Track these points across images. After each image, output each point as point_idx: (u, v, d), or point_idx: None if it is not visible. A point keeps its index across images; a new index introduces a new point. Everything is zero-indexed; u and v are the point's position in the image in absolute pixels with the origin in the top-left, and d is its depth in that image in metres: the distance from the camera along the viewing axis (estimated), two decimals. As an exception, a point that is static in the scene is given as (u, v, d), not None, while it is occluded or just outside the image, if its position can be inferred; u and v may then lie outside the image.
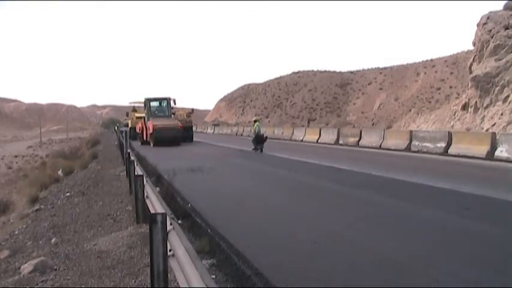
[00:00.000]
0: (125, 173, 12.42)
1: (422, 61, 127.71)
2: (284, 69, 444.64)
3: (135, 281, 4.60)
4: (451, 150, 15.35)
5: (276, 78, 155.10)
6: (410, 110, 56.98)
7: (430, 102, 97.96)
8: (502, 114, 21.06)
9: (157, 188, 7.40)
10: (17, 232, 9.49)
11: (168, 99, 27.04)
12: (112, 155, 22.47)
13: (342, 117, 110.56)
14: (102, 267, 5.21)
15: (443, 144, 15.83)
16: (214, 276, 4.26)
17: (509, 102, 21.06)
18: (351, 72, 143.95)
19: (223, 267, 4.60)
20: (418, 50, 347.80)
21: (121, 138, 21.32)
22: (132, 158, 10.14)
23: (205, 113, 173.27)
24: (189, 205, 7.53)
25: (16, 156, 44.67)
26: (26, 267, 5.64)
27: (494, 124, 20.98)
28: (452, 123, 26.67)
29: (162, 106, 27.10)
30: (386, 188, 8.78)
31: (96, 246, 6.25)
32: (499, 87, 22.13)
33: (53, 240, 7.26)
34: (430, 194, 8.04)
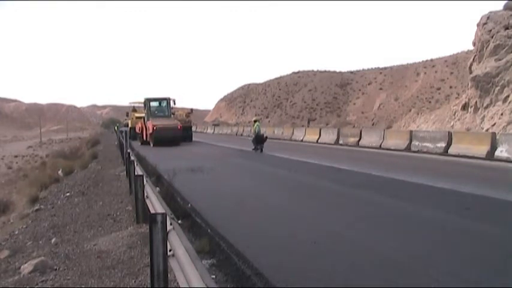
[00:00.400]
0: (125, 173, 12.42)
1: (422, 61, 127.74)
2: (284, 69, 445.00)
3: (135, 281, 4.60)
4: (451, 150, 15.35)
5: (276, 78, 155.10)
6: (410, 110, 56.98)
7: (430, 102, 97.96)
8: (502, 114, 21.06)
9: (157, 188, 7.40)
10: (17, 232, 9.49)
11: (167, 99, 27.06)
12: (112, 155, 22.47)
13: (342, 117, 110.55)
14: (102, 267, 5.21)
15: (443, 144, 15.83)
16: (214, 276, 4.26)
17: (509, 102, 21.06)
18: (351, 72, 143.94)
19: (223, 267, 4.60)
20: (418, 50, 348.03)
21: (121, 138, 21.32)
22: (132, 158, 10.14)
23: (205, 113, 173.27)
24: (189, 205, 7.53)
25: (16, 156, 44.67)
26: (26, 267, 5.64)
27: (494, 124, 20.97)
28: (452, 123, 26.67)
29: (162, 106, 27.12)
30: (386, 188, 8.78)
31: (96, 246, 6.25)
32: (499, 87, 22.13)
33: (53, 240, 7.26)
34: (430, 194, 8.04)
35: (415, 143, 17.33)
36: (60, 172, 19.58)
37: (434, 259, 4.46)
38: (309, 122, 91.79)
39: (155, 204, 5.31)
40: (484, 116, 22.90)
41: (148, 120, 25.63)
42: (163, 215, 3.41)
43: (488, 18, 25.11)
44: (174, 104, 27.43)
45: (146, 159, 15.08)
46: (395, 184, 9.29)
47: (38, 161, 35.09)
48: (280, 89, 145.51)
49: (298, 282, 3.94)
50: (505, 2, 25.44)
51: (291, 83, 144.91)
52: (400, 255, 4.64)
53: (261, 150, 18.63)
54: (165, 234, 3.35)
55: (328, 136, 24.05)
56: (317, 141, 24.59)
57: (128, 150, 12.42)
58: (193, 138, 29.43)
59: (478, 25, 26.06)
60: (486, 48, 24.30)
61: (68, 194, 12.81)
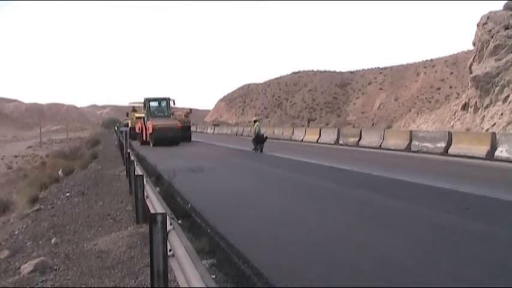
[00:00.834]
0: (125, 173, 12.42)
1: (422, 61, 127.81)
2: (284, 69, 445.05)
3: (135, 281, 4.59)
4: (451, 150, 15.35)
5: (276, 78, 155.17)
6: (410, 110, 56.96)
7: (430, 102, 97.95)
8: (502, 114, 21.06)
9: (157, 188, 7.40)
10: (17, 232, 9.49)
11: (167, 99, 27.08)
12: (112, 155, 22.46)
13: (342, 117, 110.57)
14: (102, 267, 5.21)
15: (443, 144, 15.83)
16: (214, 276, 4.26)
17: (509, 102, 21.06)
18: (351, 72, 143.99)
19: (223, 267, 4.60)
20: (418, 50, 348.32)
21: (121, 138, 21.32)
22: (132, 158, 10.14)
23: (205, 113, 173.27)
24: (189, 205, 7.53)
25: (16, 156, 44.64)
26: (26, 267, 5.64)
27: (494, 124, 20.97)
28: (452, 123, 26.67)
29: (162, 106, 27.14)
30: (386, 188, 8.78)
31: (96, 246, 6.25)
32: (499, 87, 22.13)
33: (53, 240, 7.25)
34: (430, 194, 8.04)
35: (415, 143, 17.33)
36: (60, 172, 19.57)
37: (435, 259, 4.46)
38: (309, 122, 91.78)
39: (155, 204, 5.31)
40: (484, 116, 22.90)
41: (148, 120, 25.64)
42: (163, 215, 3.40)
43: (488, 18, 25.12)
44: (174, 104, 27.49)
45: (146, 159, 15.08)
46: (395, 184, 9.29)
47: (38, 161, 35.06)
48: (280, 89, 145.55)
49: (298, 282, 3.94)
50: (505, 2, 25.45)
51: (291, 83, 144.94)
52: (400, 255, 4.64)
53: (261, 150, 18.63)
54: (165, 234, 3.35)
55: (328, 136, 24.05)
56: (317, 141, 24.60)
57: (128, 150, 12.42)
58: (193, 138, 29.47)
59: (478, 25, 26.06)
60: (486, 48, 24.30)
61: (68, 194, 12.81)
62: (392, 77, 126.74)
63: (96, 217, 8.39)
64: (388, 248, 4.91)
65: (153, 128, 24.18)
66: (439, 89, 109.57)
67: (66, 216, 9.34)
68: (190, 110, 33.32)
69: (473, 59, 26.34)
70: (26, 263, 5.92)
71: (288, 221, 6.32)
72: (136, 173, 7.46)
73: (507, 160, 12.99)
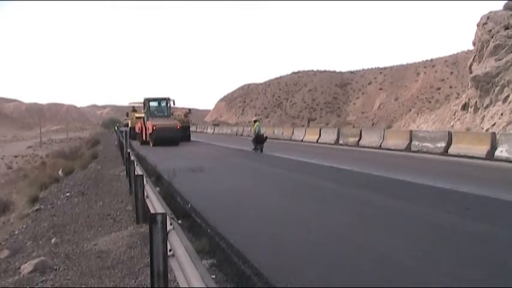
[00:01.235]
0: (125, 173, 12.42)
1: (422, 61, 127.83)
2: (284, 69, 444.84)
3: (135, 281, 4.59)
4: (451, 150, 15.35)
5: (276, 78, 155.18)
6: (410, 110, 56.97)
7: (430, 102, 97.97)
8: (502, 114, 21.06)
9: (157, 188, 7.40)
10: (17, 232, 9.49)
11: (167, 99, 27.10)
12: (112, 155, 22.46)
13: (342, 117, 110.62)
14: (102, 267, 5.21)
15: (443, 144, 15.83)
16: (214, 276, 4.26)
17: (509, 102, 21.06)
18: (351, 72, 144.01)
19: (223, 267, 4.60)
20: (418, 50, 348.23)
21: (121, 138, 21.32)
22: (132, 158, 10.14)
23: (205, 113, 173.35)
24: (189, 205, 7.53)
25: (16, 156, 44.63)
26: (26, 267, 5.63)
27: (494, 124, 20.97)
28: (452, 123, 26.67)
29: (161, 106, 27.16)
30: (386, 188, 8.78)
31: (96, 246, 6.25)
32: (499, 87, 22.13)
33: (53, 240, 7.25)
34: (430, 194, 8.04)
35: (415, 143, 17.33)
36: (60, 172, 19.57)
37: (435, 259, 4.46)
38: (309, 122, 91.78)
39: (155, 204, 5.31)
40: (484, 116, 22.90)
41: (147, 120, 25.66)
42: (163, 215, 3.40)
43: (488, 18, 25.12)
44: (174, 104, 27.52)
45: (146, 159, 15.08)
46: (395, 184, 9.29)
47: (38, 161, 35.06)
48: (280, 89, 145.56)
49: (298, 282, 3.94)
50: (505, 2, 25.45)
51: (291, 83, 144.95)
52: (400, 255, 4.64)
53: (261, 150, 18.63)
54: (165, 234, 3.34)
55: (328, 136, 24.05)
56: (317, 141, 24.60)
57: (128, 150, 12.42)
58: (193, 138, 29.52)
59: (478, 25, 26.07)
60: (486, 48, 24.30)
61: (68, 194, 12.81)
62: (392, 77, 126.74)
63: (96, 217, 8.39)
64: (388, 248, 4.91)
65: (152, 128, 24.18)
66: (439, 89, 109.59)
67: (66, 216, 9.34)
68: (190, 110, 33.46)
69: (473, 59, 26.35)
70: (26, 263, 5.92)
71: (288, 221, 6.32)
72: (136, 173, 7.46)
73: (507, 160, 12.99)
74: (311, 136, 25.92)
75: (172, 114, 27.72)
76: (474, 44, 26.67)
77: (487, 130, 20.77)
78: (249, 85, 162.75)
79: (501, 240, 5.21)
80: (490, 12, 25.51)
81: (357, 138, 21.39)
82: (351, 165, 12.32)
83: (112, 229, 7.19)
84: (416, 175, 10.18)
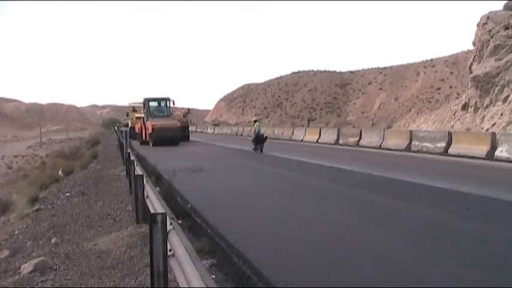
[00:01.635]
0: (125, 173, 12.42)
1: (422, 61, 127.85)
2: (284, 69, 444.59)
3: (135, 281, 4.59)
4: (451, 150, 15.35)
5: (276, 78, 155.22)
6: (410, 110, 56.98)
7: (430, 102, 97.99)
8: (502, 114, 21.06)
9: (157, 188, 7.40)
10: (17, 232, 9.49)
11: (167, 99, 27.10)
12: (112, 155, 22.46)
13: (342, 117, 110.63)
14: (102, 267, 5.21)
15: (443, 144, 15.83)
16: (214, 276, 4.26)
17: (509, 102, 21.06)
18: (351, 72, 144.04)
19: (223, 267, 4.60)
20: (418, 50, 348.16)
21: (121, 138, 21.33)
22: (132, 158, 10.14)
23: (205, 113, 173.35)
24: (189, 205, 7.53)
25: (16, 156, 44.62)
26: (26, 267, 5.63)
27: (494, 124, 20.98)
28: (452, 123, 26.67)
29: (161, 106, 27.18)
30: (386, 188, 8.78)
31: (96, 246, 6.25)
32: (499, 87, 22.13)
33: (53, 240, 7.25)
34: (430, 194, 8.04)
35: (415, 143, 17.33)
36: (60, 172, 19.57)
37: (435, 259, 4.46)
38: (309, 122, 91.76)
39: (155, 204, 5.31)
40: (484, 116, 22.90)
41: (147, 120, 25.67)
42: (163, 215, 3.40)
43: (488, 18, 25.13)
44: (173, 104, 27.55)
45: (146, 159, 15.08)
46: (395, 184, 9.29)
47: (38, 161, 35.05)
48: (280, 89, 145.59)
49: (298, 282, 3.94)
50: (505, 2, 25.45)
51: (291, 83, 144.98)
52: (400, 255, 4.64)
53: (261, 150, 18.63)
54: (165, 234, 3.34)
55: (328, 136, 24.05)
56: (317, 141, 24.60)
57: (128, 150, 12.42)
58: (193, 138, 29.56)
59: (478, 25, 26.07)
60: (486, 48, 24.30)
61: (68, 194, 12.81)
62: (392, 77, 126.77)
63: (96, 217, 8.39)
64: (388, 248, 4.91)
65: (152, 128, 24.19)
66: (439, 89, 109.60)
67: (66, 216, 9.34)
68: (189, 109, 33.63)
69: (473, 59, 26.35)
70: (26, 263, 5.92)
71: (288, 221, 6.32)
72: (136, 173, 7.46)
73: (507, 160, 12.99)
74: (311, 136, 25.92)
75: (171, 114, 27.76)
76: (474, 44, 26.67)
77: (487, 130, 20.77)
78: (249, 85, 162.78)
79: (501, 240, 5.21)
80: (490, 12, 25.51)
81: (357, 138, 21.39)
82: (351, 165, 12.33)
83: (112, 229, 7.19)
84: (416, 175, 10.18)
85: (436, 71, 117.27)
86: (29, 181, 18.72)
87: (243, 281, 4.17)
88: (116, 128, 59.07)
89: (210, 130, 54.41)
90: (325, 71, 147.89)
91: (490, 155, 13.72)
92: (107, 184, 12.54)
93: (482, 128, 21.91)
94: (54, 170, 20.88)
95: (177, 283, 3.35)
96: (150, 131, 24.52)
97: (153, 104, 27.07)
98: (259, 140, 18.99)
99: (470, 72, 26.06)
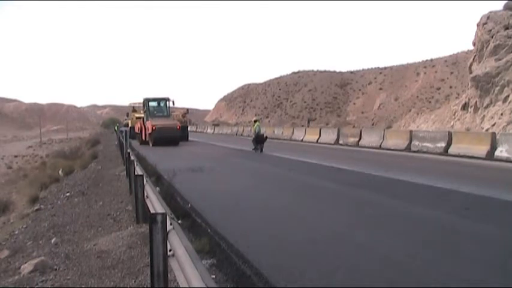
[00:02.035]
0: (125, 173, 12.42)
1: (422, 61, 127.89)
2: (284, 69, 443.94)
3: (135, 281, 4.59)
4: (451, 150, 15.36)
5: (276, 78, 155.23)
6: (410, 110, 57.02)
7: (430, 102, 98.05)
8: (502, 114, 21.08)
9: (157, 188, 7.40)
10: (17, 232, 9.49)
11: (166, 99, 27.11)
12: (112, 155, 22.47)
13: (342, 117, 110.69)
14: (102, 267, 5.21)
15: (443, 144, 15.84)
16: (214, 276, 4.26)
17: (509, 102, 21.08)
18: (351, 72, 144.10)
19: (223, 267, 4.60)
20: (418, 50, 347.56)
21: (121, 138, 21.33)
22: (132, 158, 10.14)
23: (205, 113, 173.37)
24: (189, 205, 7.53)
25: (16, 156, 44.66)
26: (26, 267, 5.63)
27: (494, 124, 20.99)
28: (452, 123, 26.68)
29: (161, 106, 27.18)
30: (386, 188, 8.78)
31: (96, 246, 6.25)
32: (499, 87, 22.15)
33: (53, 240, 7.25)
34: (430, 194, 8.04)
35: (415, 143, 17.34)
36: (60, 172, 19.58)
37: (434, 259, 4.46)
38: (309, 122, 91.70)
39: (155, 204, 5.31)
40: (484, 116, 22.92)
41: (147, 120, 25.68)
42: (163, 215, 3.40)
43: (488, 18, 25.14)
44: (173, 104, 27.55)
45: (146, 159, 15.07)
46: (395, 184, 9.29)
47: (38, 161, 35.09)
48: (280, 89, 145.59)
49: (298, 282, 3.94)
50: (505, 2, 25.47)
51: (291, 83, 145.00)
52: (400, 255, 4.64)
53: (261, 150, 18.63)
54: (165, 234, 3.35)
55: (328, 136, 24.06)
56: (317, 141, 24.60)
57: (128, 150, 12.42)
58: (193, 138, 29.63)
59: (478, 25, 26.09)
60: (486, 48, 24.32)
61: (68, 194, 12.81)
62: (392, 77, 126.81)
63: (96, 217, 8.39)
64: (388, 248, 4.91)
65: (152, 128, 24.20)
66: (439, 89, 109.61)
67: (66, 216, 9.34)
68: (187, 110, 34.04)
69: (473, 59, 26.37)
70: (26, 262, 5.92)
71: (288, 221, 6.32)
72: (136, 173, 7.46)
73: (507, 160, 12.99)
74: (311, 136, 25.93)
75: (171, 114, 27.80)
76: (474, 44, 26.69)
77: (487, 130, 20.78)
78: (249, 85, 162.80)
79: (501, 240, 5.21)
80: (490, 12, 25.53)
81: (357, 138, 21.39)
82: (350, 165, 12.32)
83: (112, 229, 7.19)
84: (416, 175, 10.18)
85: (436, 71, 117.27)
86: (29, 181, 18.74)
87: (243, 281, 4.17)
88: (115, 128, 59.11)
89: (210, 130, 54.41)
90: (325, 71, 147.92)
91: (490, 155, 13.72)
92: (107, 184, 12.54)
93: (482, 128, 21.92)
94: (54, 170, 20.90)
95: (177, 283, 3.35)
96: (150, 131, 24.53)
97: (152, 104, 27.07)
98: (259, 140, 18.99)
99: (470, 72, 26.08)
